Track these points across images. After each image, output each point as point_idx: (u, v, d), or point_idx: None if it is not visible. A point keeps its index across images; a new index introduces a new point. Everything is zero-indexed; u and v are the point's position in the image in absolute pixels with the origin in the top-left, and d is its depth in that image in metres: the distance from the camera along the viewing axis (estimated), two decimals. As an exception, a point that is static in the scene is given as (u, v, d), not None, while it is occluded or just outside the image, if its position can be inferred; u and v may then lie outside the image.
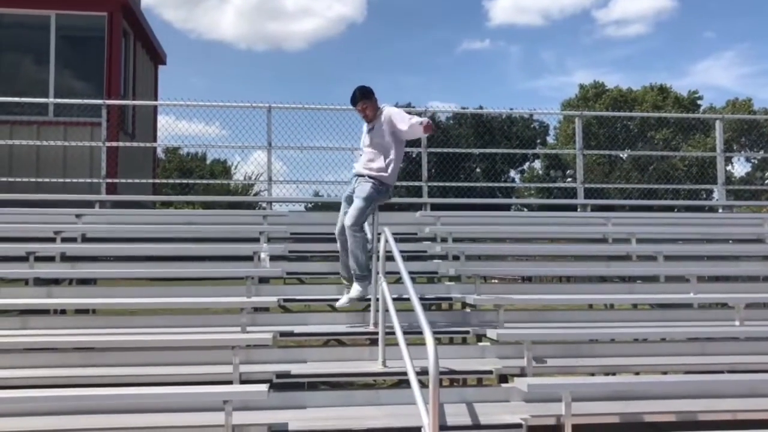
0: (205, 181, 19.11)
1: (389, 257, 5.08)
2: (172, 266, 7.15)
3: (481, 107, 26.71)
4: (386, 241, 5.11)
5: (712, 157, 11.59)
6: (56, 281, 7.03)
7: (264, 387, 4.23)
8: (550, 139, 41.94)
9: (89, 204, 8.88)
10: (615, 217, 9.19)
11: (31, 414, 4.39)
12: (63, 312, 6.60)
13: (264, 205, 9.98)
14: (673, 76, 72.33)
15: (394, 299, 4.96)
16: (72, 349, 5.35)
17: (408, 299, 4.33)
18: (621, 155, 35.04)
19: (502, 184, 29.99)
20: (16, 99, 9.94)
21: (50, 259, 7.17)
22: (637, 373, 5.72)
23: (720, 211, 10.80)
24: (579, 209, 10.22)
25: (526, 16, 67.28)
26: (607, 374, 5.82)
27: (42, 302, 6.31)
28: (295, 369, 5.14)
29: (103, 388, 4.46)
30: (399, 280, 5.90)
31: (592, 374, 5.73)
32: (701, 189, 20.13)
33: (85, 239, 7.84)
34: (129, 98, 11.81)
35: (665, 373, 5.67)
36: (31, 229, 7.70)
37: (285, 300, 6.49)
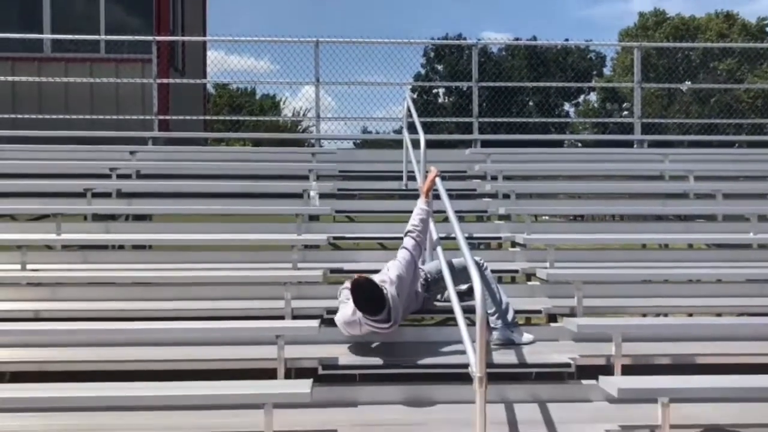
0: (254, 118, 19.30)
1: (436, 195, 5.03)
2: (223, 203, 7.27)
3: (534, 38, 25.78)
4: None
5: (779, 89, 10.99)
6: (113, 217, 7.24)
7: (315, 323, 4.30)
8: (606, 71, 40.48)
9: (142, 141, 9.03)
10: (673, 154, 8.89)
11: (91, 345, 4.59)
12: (121, 247, 6.81)
13: (313, 142, 9.98)
14: (740, 2, 68.12)
15: (441, 238, 4.94)
16: (130, 284, 5.54)
17: (455, 238, 4.30)
18: (681, 87, 33.60)
19: (556, 120, 29.12)
20: (68, 36, 10.05)
21: (107, 195, 7.36)
22: (691, 315, 5.62)
23: (786, 146, 10.32)
24: (635, 145, 9.92)
25: (584, -61, 63.79)
26: (658, 315, 5.74)
27: (100, 237, 6.53)
28: (344, 305, 5.19)
29: (160, 322, 4.61)
30: (446, 219, 5.86)
31: (644, 315, 5.66)
32: (766, 123, 19.25)
33: (140, 176, 8.01)
34: (178, 34, 11.80)
35: (719, 315, 5.56)
36: (88, 166, 7.89)
37: (335, 238, 6.55)
